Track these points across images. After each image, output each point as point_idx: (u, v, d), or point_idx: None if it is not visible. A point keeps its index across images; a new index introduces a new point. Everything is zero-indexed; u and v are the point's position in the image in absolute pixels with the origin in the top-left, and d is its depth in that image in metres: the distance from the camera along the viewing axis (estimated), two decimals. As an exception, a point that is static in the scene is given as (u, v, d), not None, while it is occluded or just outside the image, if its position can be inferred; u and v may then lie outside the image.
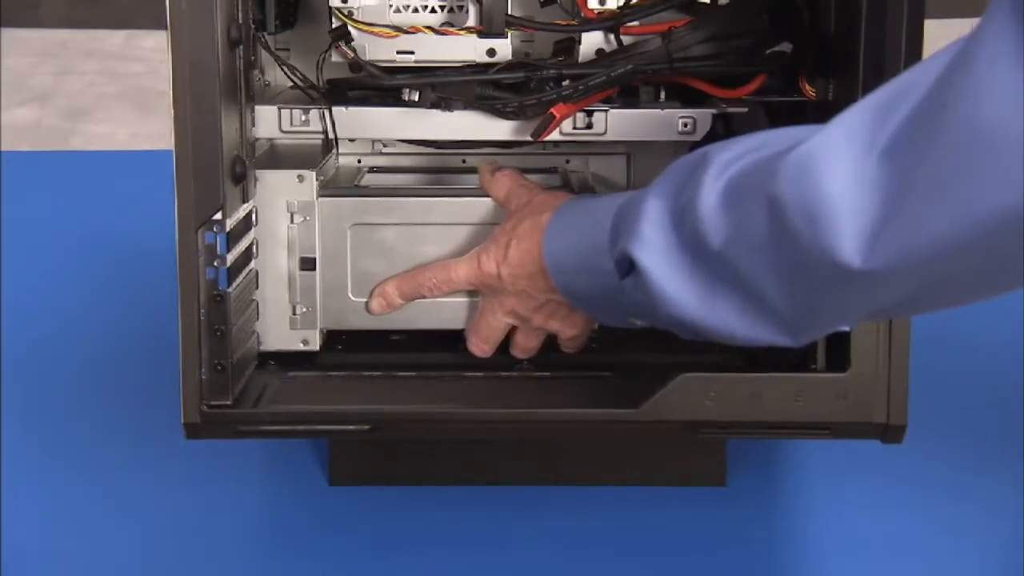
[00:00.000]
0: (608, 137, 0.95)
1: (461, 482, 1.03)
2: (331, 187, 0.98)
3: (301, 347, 0.96)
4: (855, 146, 0.63)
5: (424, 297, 0.95)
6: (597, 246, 0.84)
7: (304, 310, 0.96)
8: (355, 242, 0.96)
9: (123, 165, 1.78)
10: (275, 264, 0.95)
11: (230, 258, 0.88)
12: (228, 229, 0.87)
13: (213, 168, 0.86)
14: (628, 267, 0.81)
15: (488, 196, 0.95)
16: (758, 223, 0.69)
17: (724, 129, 1.00)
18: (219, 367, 0.88)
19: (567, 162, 1.05)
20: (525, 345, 0.95)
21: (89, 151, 1.93)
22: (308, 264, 0.95)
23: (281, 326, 0.96)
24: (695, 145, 0.99)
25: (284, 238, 0.94)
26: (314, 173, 0.94)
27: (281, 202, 0.94)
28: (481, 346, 0.95)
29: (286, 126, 0.96)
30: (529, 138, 0.94)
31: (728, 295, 0.75)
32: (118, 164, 1.79)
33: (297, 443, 1.08)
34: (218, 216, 0.86)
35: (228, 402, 0.89)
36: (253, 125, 0.95)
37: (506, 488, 1.03)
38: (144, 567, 0.97)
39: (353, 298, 0.96)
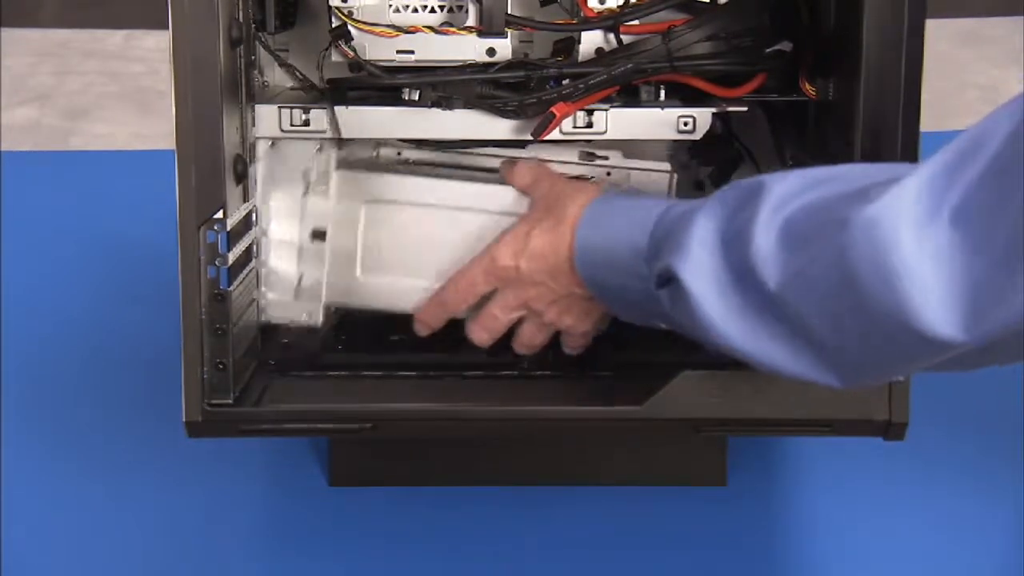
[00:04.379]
0: (609, 136, 0.95)
1: (461, 482, 1.03)
2: (350, 161, 0.97)
3: (305, 320, 0.96)
4: (925, 208, 0.63)
5: (456, 314, 0.94)
6: (634, 248, 0.83)
7: (310, 282, 0.95)
8: (368, 219, 0.95)
9: (123, 165, 1.77)
10: (285, 233, 0.95)
11: (231, 257, 0.88)
12: (229, 228, 0.87)
13: (214, 167, 0.86)
14: (668, 280, 0.80)
15: (509, 186, 0.95)
16: (824, 275, 0.68)
17: (724, 128, 1.00)
18: (220, 366, 0.88)
19: (608, 174, 1.04)
20: (531, 341, 0.94)
21: (89, 151, 1.92)
22: (319, 235, 0.95)
23: (286, 297, 0.96)
24: (695, 144, 0.99)
25: (297, 208, 0.94)
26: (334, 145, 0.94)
27: (298, 171, 0.94)
28: (482, 335, 0.93)
29: (286, 126, 0.96)
30: (529, 136, 0.94)
31: (778, 332, 0.74)
32: (118, 164, 1.79)
33: (297, 443, 1.08)
34: (219, 215, 0.86)
35: (229, 401, 0.89)
36: (253, 125, 0.95)
37: (506, 488, 1.03)
38: (144, 567, 0.97)
39: (360, 276, 0.96)
